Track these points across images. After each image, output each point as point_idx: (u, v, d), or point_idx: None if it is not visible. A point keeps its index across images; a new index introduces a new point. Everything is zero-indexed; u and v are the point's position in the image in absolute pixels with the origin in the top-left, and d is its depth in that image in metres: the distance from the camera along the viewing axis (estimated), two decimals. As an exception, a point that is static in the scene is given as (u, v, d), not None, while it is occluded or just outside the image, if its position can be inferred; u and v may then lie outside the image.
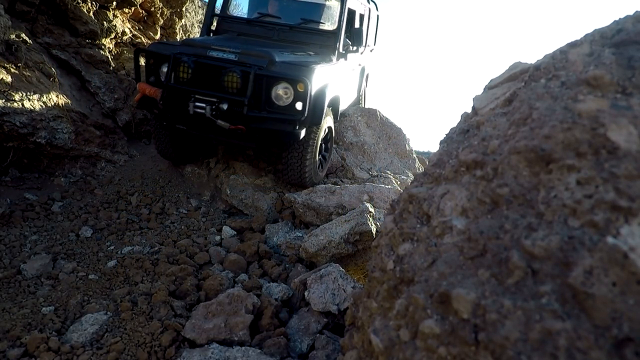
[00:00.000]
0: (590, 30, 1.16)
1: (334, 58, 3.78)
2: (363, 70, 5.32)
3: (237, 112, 3.02)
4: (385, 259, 1.28)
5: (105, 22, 4.39)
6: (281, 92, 3.05)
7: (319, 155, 3.64)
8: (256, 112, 3.06)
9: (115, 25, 4.52)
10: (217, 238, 3.08)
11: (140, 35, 5.00)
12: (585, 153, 0.86)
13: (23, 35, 3.59)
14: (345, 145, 4.64)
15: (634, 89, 0.90)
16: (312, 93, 3.04)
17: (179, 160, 3.91)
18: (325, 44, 3.87)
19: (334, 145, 4.54)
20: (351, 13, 4.31)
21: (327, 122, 3.55)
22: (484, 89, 1.53)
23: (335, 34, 3.86)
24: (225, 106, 2.98)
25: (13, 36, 3.42)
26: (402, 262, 1.16)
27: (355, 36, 4.01)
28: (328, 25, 4.07)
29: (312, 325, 2.13)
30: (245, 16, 4.43)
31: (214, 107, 2.98)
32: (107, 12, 4.45)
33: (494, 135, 1.16)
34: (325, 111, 3.26)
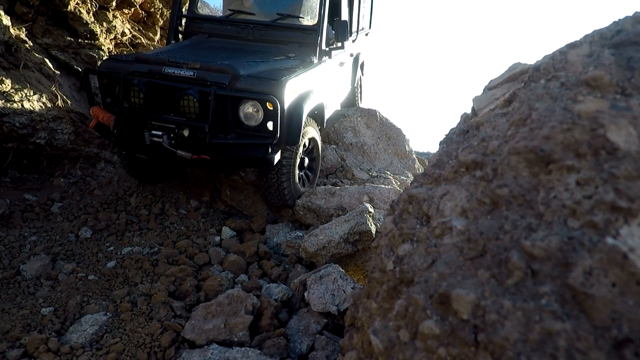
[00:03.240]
0: (590, 31, 1.16)
1: (315, 59, 3.33)
2: (357, 59, 4.83)
3: (200, 139, 2.64)
4: (385, 259, 1.28)
5: (104, 23, 4.39)
6: (250, 111, 2.67)
7: (301, 172, 3.34)
8: (221, 137, 2.70)
9: (114, 26, 4.52)
10: (217, 239, 3.07)
11: (140, 36, 5.01)
12: (584, 154, 0.86)
13: (23, 36, 3.59)
14: (345, 145, 4.64)
15: (634, 90, 0.90)
16: (285, 110, 2.67)
17: (151, 180, 3.55)
18: (306, 42, 3.39)
19: (333, 146, 4.53)
20: (335, 2, 3.80)
21: (309, 133, 3.18)
22: (484, 90, 1.54)
23: (315, 30, 3.37)
24: (187, 133, 2.62)
25: (13, 37, 3.42)
26: (401, 263, 1.16)
27: (340, 30, 3.44)
28: (308, 19, 3.55)
29: (312, 326, 2.12)
30: (222, 10, 3.98)
31: (172, 135, 2.63)
32: (107, 12, 4.45)
33: (493, 135, 1.16)
34: (303, 126, 2.89)
